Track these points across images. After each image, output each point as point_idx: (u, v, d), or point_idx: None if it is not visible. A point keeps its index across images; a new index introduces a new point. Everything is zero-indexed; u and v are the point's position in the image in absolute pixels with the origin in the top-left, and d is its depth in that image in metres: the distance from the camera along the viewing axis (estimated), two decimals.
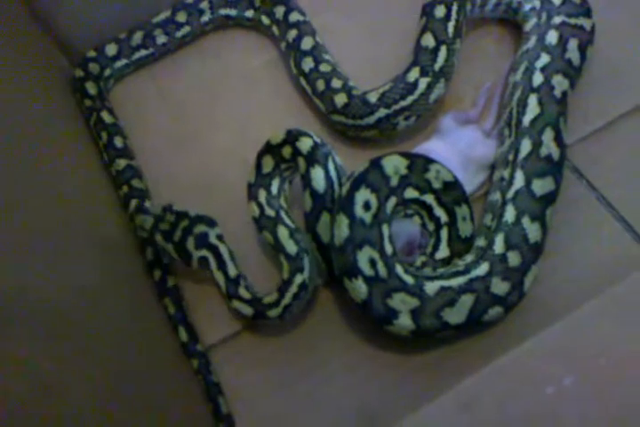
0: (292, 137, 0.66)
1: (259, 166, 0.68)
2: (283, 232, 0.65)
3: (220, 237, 0.67)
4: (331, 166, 0.65)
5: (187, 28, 0.85)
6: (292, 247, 0.64)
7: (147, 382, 0.57)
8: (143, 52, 0.85)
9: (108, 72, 0.84)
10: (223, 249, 0.67)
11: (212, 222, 0.68)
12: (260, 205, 0.67)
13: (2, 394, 0.38)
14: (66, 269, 0.52)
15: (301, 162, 0.65)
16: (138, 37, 0.84)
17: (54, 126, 0.68)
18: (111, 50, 0.84)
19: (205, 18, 0.85)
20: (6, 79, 0.61)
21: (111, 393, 0.50)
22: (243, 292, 0.65)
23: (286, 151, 0.66)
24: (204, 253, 0.66)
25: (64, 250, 0.54)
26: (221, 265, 0.66)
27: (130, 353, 0.57)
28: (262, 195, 0.68)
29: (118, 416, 0.49)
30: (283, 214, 0.67)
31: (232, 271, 0.66)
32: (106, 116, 0.79)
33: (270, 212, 0.67)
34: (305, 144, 0.65)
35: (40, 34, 0.79)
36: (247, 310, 0.65)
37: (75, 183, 0.66)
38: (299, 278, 0.63)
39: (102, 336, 0.53)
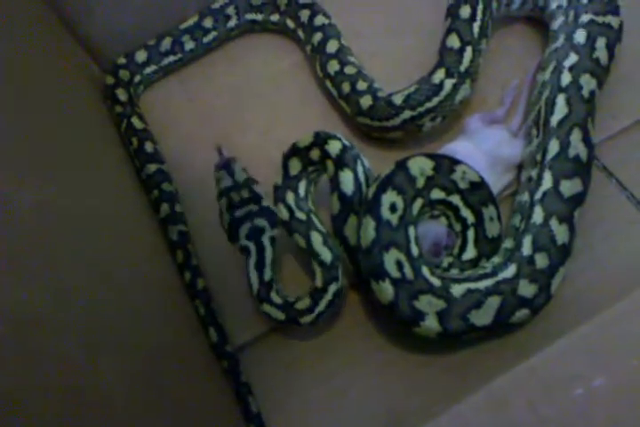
0: (320, 140, 0.66)
1: (286, 169, 0.69)
2: (316, 238, 0.65)
3: (272, 240, 0.66)
4: (359, 169, 0.65)
5: (214, 34, 0.86)
6: (326, 255, 0.64)
7: (178, 381, 0.58)
8: (172, 58, 0.86)
9: (137, 78, 0.86)
10: (268, 253, 0.65)
11: (274, 222, 0.66)
12: (289, 208, 0.67)
13: (41, 388, 0.40)
14: (99, 272, 0.54)
15: (330, 165, 0.66)
16: (166, 43, 0.85)
17: (86, 133, 0.70)
18: (141, 56, 0.85)
19: (232, 23, 0.86)
20: (39, 87, 0.62)
21: (142, 392, 0.50)
22: (274, 296, 0.65)
23: (314, 154, 0.67)
24: (250, 245, 0.65)
25: (97, 253, 0.55)
26: (259, 266, 0.65)
27: (161, 353, 0.57)
28: (290, 197, 0.68)
29: (149, 414, 0.50)
30: (313, 218, 0.67)
31: (267, 275, 0.66)
32: (136, 121, 0.81)
33: (301, 215, 0.66)
34: (334, 147, 0.65)
35: (71, 42, 0.80)
36: (278, 315, 0.65)
37: (105, 187, 0.67)
38: (334, 287, 0.64)
39: (134, 336, 0.54)
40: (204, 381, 0.65)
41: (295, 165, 0.68)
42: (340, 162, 0.65)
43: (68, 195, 0.56)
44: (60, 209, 0.52)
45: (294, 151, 0.68)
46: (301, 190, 0.69)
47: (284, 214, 0.67)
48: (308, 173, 0.69)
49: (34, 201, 0.49)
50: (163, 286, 0.68)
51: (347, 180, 0.64)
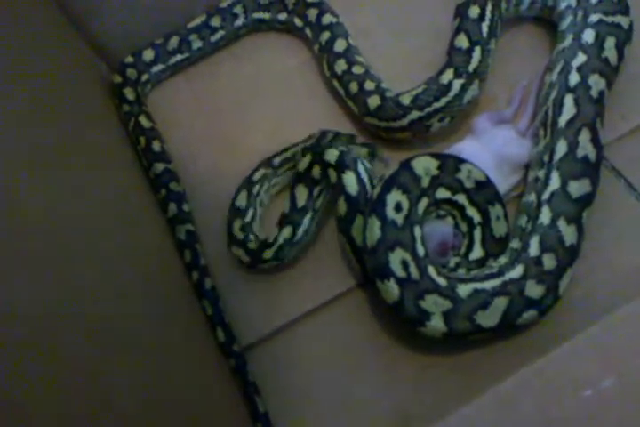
0: (317, 156, 0.67)
1: (293, 198, 0.69)
2: None
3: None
4: (361, 169, 0.65)
5: (221, 33, 0.86)
6: None
7: (185, 380, 0.58)
8: (179, 57, 0.86)
9: (145, 77, 0.85)
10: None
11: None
12: (280, 244, 0.69)
13: (51, 387, 0.40)
14: (106, 272, 0.54)
15: (332, 172, 0.66)
16: (174, 42, 0.85)
17: (94, 132, 0.70)
18: (148, 55, 0.85)
19: (239, 22, 0.86)
20: (47, 87, 0.62)
21: (149, 391, 0.50)
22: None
23: (316, 171, 0.67)
24: None
25: (104, 252, 0.55)
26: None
27: (169, 353, 0.57)
28: (287, 232, 0.69)
29: (156, 413, 0.50)
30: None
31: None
32: (144, 120, 0.81)
33: (267, 254, 0.69)
34: (331, 155, 0.66)
35: (79, 41, 0.80)
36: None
37: (113, 187, 0.67)
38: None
39: (140, 335, 0.54)
40: (211, 380, 0.65)
41: (302, 193, 0.69)
42: (341, 166, 0.65)
43: (76, 194, 0.56)
44: (68, 209, 0.53)
45: (298, 178, 0.69)
46: (301, 229, 0.69)
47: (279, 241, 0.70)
48: (313, 201, 0.69)
49: (42, 201, 0.49)
50: (170, 286, 0.68)
51: (350, 181, 0.65)
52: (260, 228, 0.74)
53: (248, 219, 0.73)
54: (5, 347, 0.37)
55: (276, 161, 0.75)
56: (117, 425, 0.45)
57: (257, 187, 0.74)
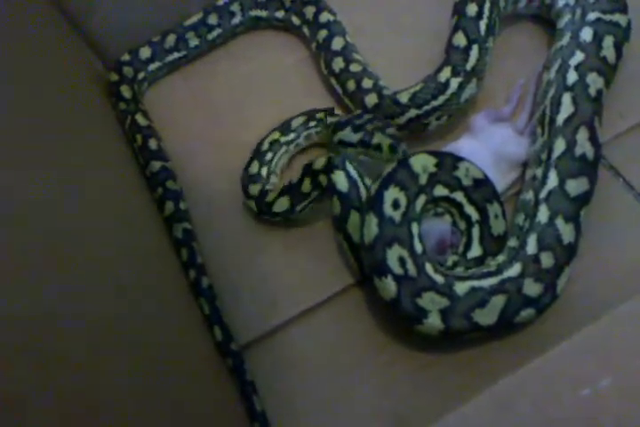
0: (307, 168, 0.68)
1: (275, 201, 0.70)
2: None
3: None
4: (349, 167, 0.65)
5: (218, 31, 0.86)
6: None
7: (182, 380, 0.58)
8: (176, 55, 0.86)
9: (141, 75, 0.85)
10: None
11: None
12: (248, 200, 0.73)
13: (48, 389, 0.39)
14: (103, 271, 0.53)
15: (322, 177, 0.66)
16: (171, 40, 0.85)
17: (90, 130, 0.69)
18: (145, 53, 0.85)
19: (236, 20, 0.86)
20: (43, 85, 0.62)
21: (146, 391, 0.50)
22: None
23: (306, 185, 0.68)
24: None
25: (100, 252, 0.55)
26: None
27: (165, 352, 0.57)
28: (254, 207, 0.73)
29: (153, 413, 0.50)
30: None
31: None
32: (140, 118, 0.80)
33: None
34: (320, 162, 0.67)
35: (75, 39, 0.80)
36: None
37: (110, 185, 0.67)
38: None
39: (137, 335, 0.54)
40: (208, 379, 0.65)
41: (283, 204, 0.70)
42: (330, 167, 0.65)
43: (73, 193, 0.56)
44: (64, 208, 0.52)
45: (287, 188, 0.69)
46: (262, 216, 0.73)
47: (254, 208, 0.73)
48: (293, 214, 0.70)
49: (39, 199, 0.48)
50: (167, 284, 0.68)
51: (340, 179, 0.65)
52: (285, 156, 0.77)
53: (285, 139, 0.75)
54: (4, 347, 0.37)
55: (330, 121, 0.75)
56: (116, 425, 0.44)
57: (314, 122, 0.76)
